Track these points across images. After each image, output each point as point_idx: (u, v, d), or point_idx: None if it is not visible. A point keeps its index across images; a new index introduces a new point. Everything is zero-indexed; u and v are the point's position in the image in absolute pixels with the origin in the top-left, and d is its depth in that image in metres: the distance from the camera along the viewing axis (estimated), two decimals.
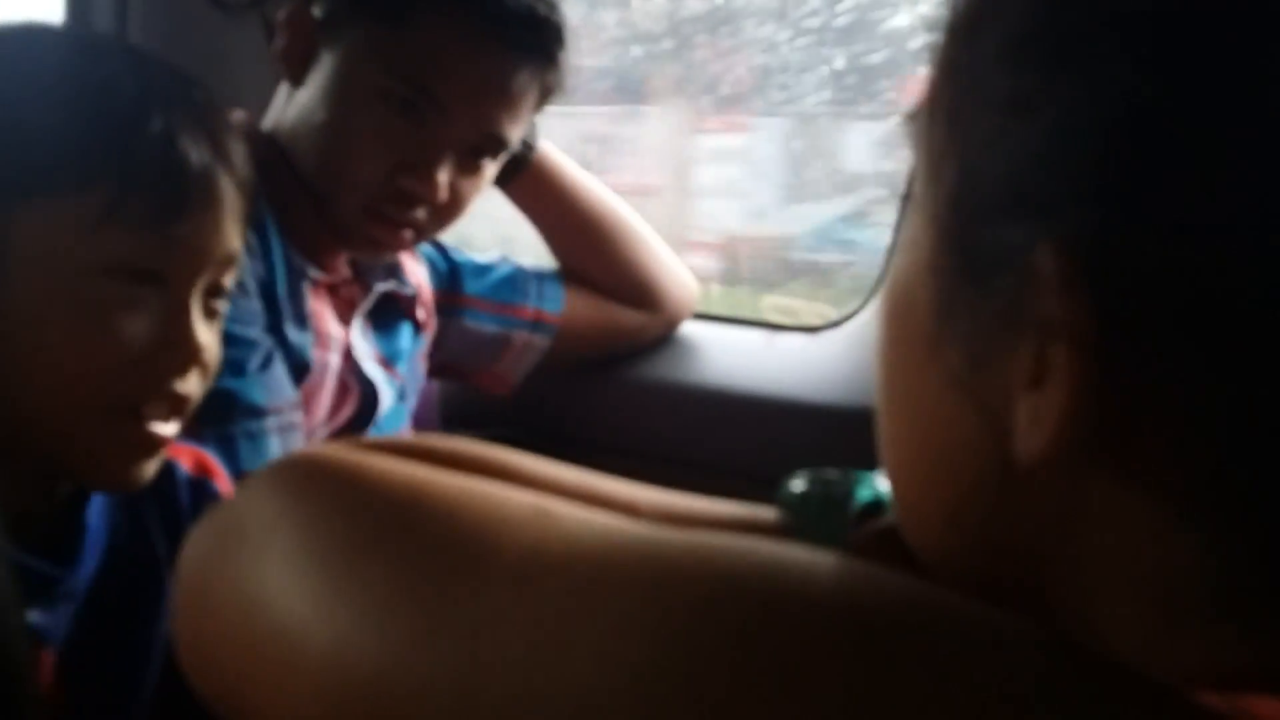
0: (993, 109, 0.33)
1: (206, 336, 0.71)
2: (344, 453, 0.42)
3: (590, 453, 1.34)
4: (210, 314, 0.72)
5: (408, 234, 1.03)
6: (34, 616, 0.69)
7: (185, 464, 0.81)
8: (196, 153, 0.68)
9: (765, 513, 0.46)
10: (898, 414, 0.38)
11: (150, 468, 0.71)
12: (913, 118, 0.37)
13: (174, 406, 0.70)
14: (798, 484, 0.46)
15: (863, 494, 0.46)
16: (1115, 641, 0.32)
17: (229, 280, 0.74)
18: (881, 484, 0.47)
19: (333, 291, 1.05)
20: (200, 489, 0.80)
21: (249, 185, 0.73)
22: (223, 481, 0.82)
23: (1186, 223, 0.29)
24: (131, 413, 0.68)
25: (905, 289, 0.37)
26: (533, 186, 1.21)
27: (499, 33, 0.98)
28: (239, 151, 0.72)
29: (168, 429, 0.70)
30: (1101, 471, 0.31)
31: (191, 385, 0.71)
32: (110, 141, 0.66)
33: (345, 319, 1.06)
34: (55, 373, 0.66)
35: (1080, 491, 0.32)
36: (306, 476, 0.40)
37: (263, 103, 1.27)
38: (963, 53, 0.34)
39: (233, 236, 0.72)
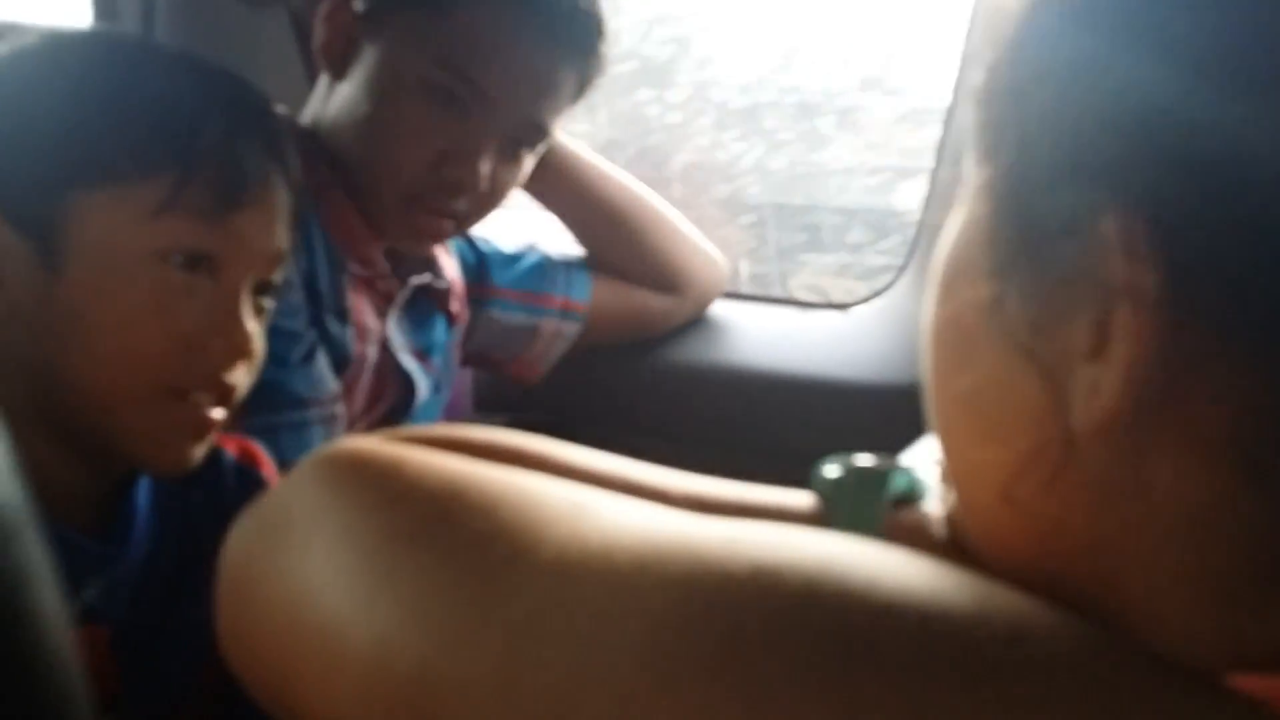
0: (1052, 80, 0.33)
1: (254, 329, 0.73)
2: (384, 445, 0.42)
3: (622, 435, 1.35)
4: (258, 309, 0.75)
5: (449, 224, 1.04)
6: (89, 595, 0.71)
7: (231, 451, 0.82)
8: (252, 151, 0.71)
9: (799, 497, 0.46)
10: (952, 384, 0.38)
11: (199, 451, 0.73)
12: (971, 96, 0.37)
13: (222, 394, 0.72)
14: (832, 469, 0.46)
15: (898, 481, 0.45)
16: (1172, 618, 0.32)
17: (277, 277, 0.76)
18: (917, 471, 0.47)
19: (370, 285, 1.06)
20: (246, 476, 0.82)
21: (298, 188, 0.76)
22: (268, 469, 0.84)
23: (1249, 183, 0.29)
24: (182, 396, 0.71)
25: (960, 260, 0.37)
26: (552, 179, 1.22)
27: (541, 23, 0.99)
28: (291, 155, 0.75)
29: (216, 414, 0.72)
30: (1162, 440, 0.31)
31: (239, 375, 0.73)
32: (173, 136, 0.69)
33: (382, 312, 1.07)
34: (111, 353, 0.68)
35: (1140, 461, 0.31)
36: (348, 469, 0.40)
37: (291, 98, 1.28)
38: (1022, 30, 0.34)
39: (282, 235, 0.74)
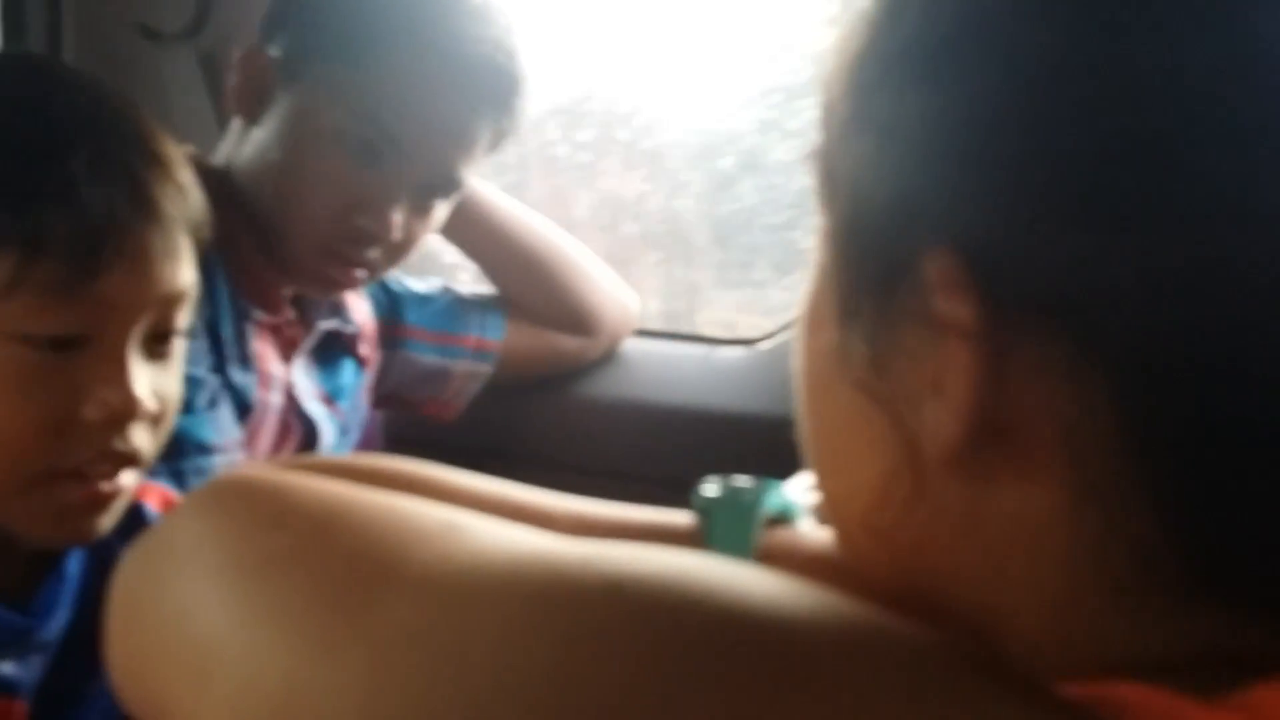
0: (874, 129, 0.34)
1: (152, 385, 0.67)
2: (269, 472, 0.43)
3: (534, 471, 1.35)
4: (158, 357, 0.69)
5: (361, 273, 1.05)
6: (5, 668, 0.68)
7: (153, 504, 0.80)
8: (112, 202, 0.63)
9: (678, 517, 0.48)
10: (815, 424, 0.40)
11: (106, 521, 0.68)
12: (811, 146, 0.39)
13: (121, 461, 0.67)
14: (709, 489, 0.47)
15: (772, 501, 0.47)
16: (1023, 633, 0.33)
17: (182, 319, 0.70)
18: (791, 493, 0.49)
19: (276, 331, 1.06)
20: None
21: (197, 214, 0.69)
22: None
23: (1064, 219, 0.30)
24: (74, 475, 0.66)
25: (813, 303, 0.39)
26: (465, 222, 1.23)
27: (459, 77, 1.00)
28: (176, 184, 0.67)
29: (118, 483, 0.67)
30: (1002, 466, 0.32)
31: (139, 438, 0.67)
32: (7, 206, 0.61)
33: (287, 358, 1.07)
34: None
35: (985, 487, 0.33)
36: (232, 496, 0.41)
37: (201, 134, 1.28)
38: (844, 83, 0.36)
39: (171, 278, 0.67)
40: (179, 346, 0.71)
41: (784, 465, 0.85)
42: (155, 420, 0.69)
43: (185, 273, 0.69)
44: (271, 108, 1.01)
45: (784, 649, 0.27)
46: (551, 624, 0.29)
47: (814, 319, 0.39)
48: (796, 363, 0.40)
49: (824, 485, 0.40)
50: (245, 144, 1.04)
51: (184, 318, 0.70)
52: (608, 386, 1.37)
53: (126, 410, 0.66)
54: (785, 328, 1.41)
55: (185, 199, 0.68)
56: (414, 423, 1.37)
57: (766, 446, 1.31)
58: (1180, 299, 0.29)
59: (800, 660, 0.27)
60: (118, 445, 0.66)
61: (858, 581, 0.39)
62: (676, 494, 1.31)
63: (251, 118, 1.03)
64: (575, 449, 1.37)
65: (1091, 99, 0.30)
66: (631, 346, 1.40)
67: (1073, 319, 0.31)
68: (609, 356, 1.38)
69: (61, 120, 0.65)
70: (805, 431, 0.41)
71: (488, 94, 1.02)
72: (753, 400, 1.32)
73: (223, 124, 1.24)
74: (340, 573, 0.35)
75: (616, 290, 1.35)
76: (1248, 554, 0.31)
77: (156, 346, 0.69)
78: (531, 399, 1.36)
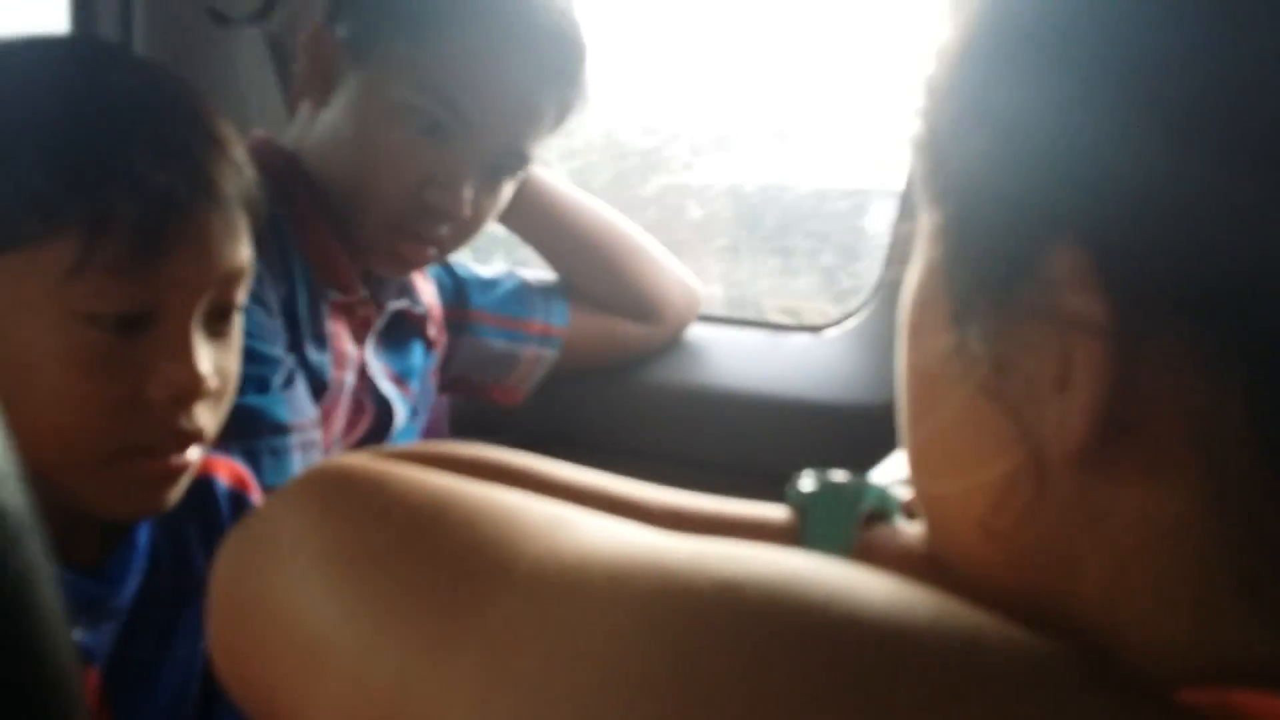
0: (989, 124, 0.33)
1: (214, 363, 0.69)
2: (369, 463, 0.43)
3: (600, 457, 1.35)
4: (219, 335, 0.70)
5: (431, 250, 1.05)
6: (78, 635, 0.70)
7: (223, 478, 0.81)
8: (174, 183, 0.64)
9: (775, 511, 0.47)
10: (924, 420, 0.39)
11: (174, 494, 0.70)
12: (913, 143, 0.38)
13: (185, 440, 0.68)
14: (806, 484, 0.47)
15: (870, 496, 0.46)
16: (1142, 635, 0.32)
17: (240, 295, 0.71)
18: (889, 487, 0.48)
19: (348, 311, 1.06)
20: (239, 503, 0.81)
21: (252, 192, 0.70)
22: (257, 495, 0.83)
23: (1196, 211, 0.29)
24: (142, 451, 0.67)
25: (921, 307, 0.38)
26: (528, 210, 1.23)
27: (525, 50, 1.00)
28: (233, 163, 0.68)
29: (186, 458, 0.69)
30: (1129, 464, 0.32)
31: (202, 418, 0.68)
32: (73, 187, 0.62)
33: (360, 338, 1.08)
34: (50, 424, 0.64)
35: (1109, 486, 0.32)
36: (333, 487, 0.41)
37: (272, 116, 1.29)
38: (954, 76, 0.35)
39: (231, 256, 0.68)
40: (238, 323, 0.72)
41: (848, 451, 0.84)
42: (217, 397, 0.70)
43: (243, 250, 0.70)
44: (340, 88, 1.02)
45: (907, 658, 0.27)
46: (666, 625, 0.29)
47: (922, 320, 0.38)
48: (901, 365, 0.39)
49: (933, 488, 0.40)
50: (315, 126, 1.04)
51: (242, 294, 0.71)
52: (673, 372, 1.36)
53: (192, 388, 0.67)
54: (851, 314, 1.39)
55: (242, 178, 0.69)
56: (480, 408, 1.37)
57: (833, 433, 1.30)
58: None
59: (924, 670, 0.27)
60: (183, 424, 0.67)
61: (962, 580, 0.39)
62: (741, 479, 1.31)
63: (320, 99, 1.03)
64: (641, 435, 1.37)
65: (1223, 90, 0.29)
66: (696, 333, 1.39)
67: (1205, 314, 0.30)
68: (674, 343, 1.38)
69: (122, 102, 0.66)
70: (909, 435, 0.40)
71: (553, 66, 1.02)
72: (819, 387, 1.31)
73: (293, 107, 1.25)
74: (449, 568, 0.35)
75: (681, 277, 1.35)
76: None
77: (216, 324, 0.70)
78: (597, 385, 1.36)
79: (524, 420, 1.34)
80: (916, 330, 0.38)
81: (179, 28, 1.30)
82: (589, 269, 1.29)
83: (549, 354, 1.28)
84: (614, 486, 0.47)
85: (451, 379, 1.26)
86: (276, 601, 0.39)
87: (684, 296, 1.35)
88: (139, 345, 0.65)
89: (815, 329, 1.41)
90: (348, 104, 1.01)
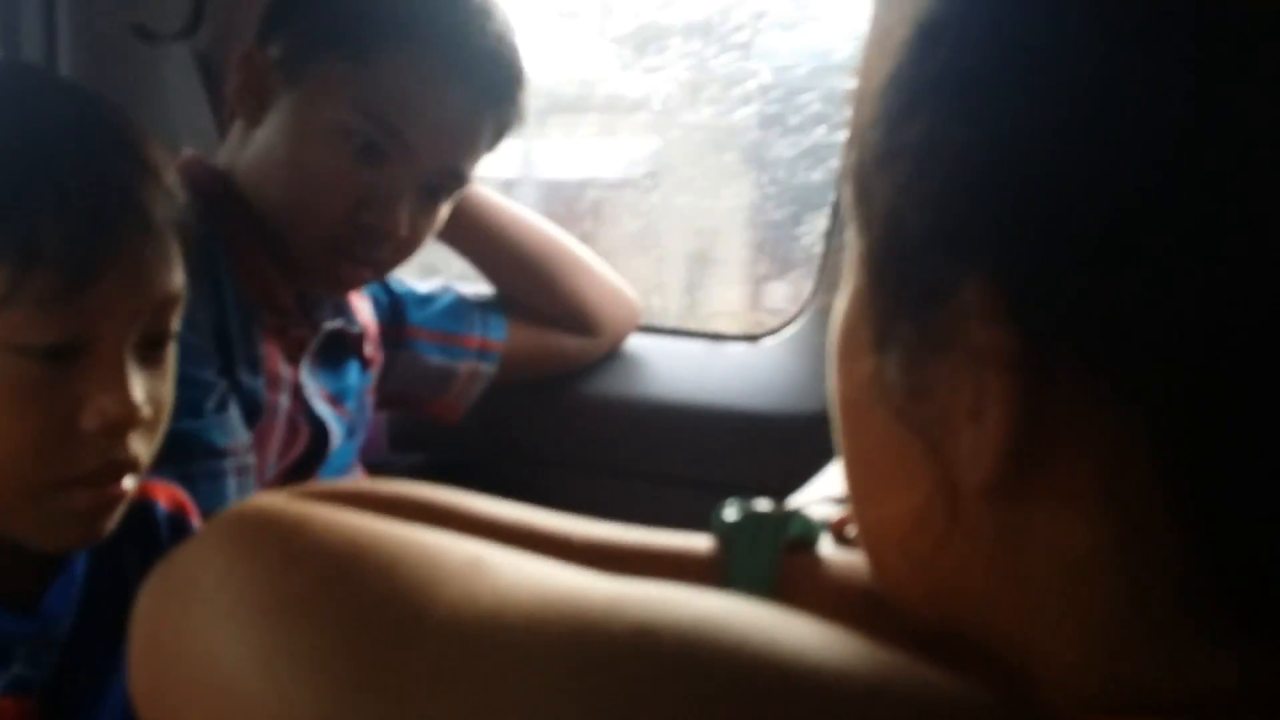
0: (908, 156, 0.34)
1: (148, 391, 0.68)
2: (286, 505, 0.42)
3: (541, 470, 1.36)
4: (152, 362, 0.69)
5: (367, 271, 1.05)
6: (16, 668, 0.69)
7: (162, 502, 0.80)
8: (103, 211, 0.63)
9: (699, 543, 0.47)
10: (852, 450, 0.39)
11: (109, 524, 0.69)
12: (843, 169, 0.38)
13: (121, 469, 0.67)
14: (730, 513, 0.47)
15: (794, 525, 0.47)
16: (1060, 667, 0.33)
17: (174, 322, 0.70)
18: (815, 512, 0.48)
19: (282, 333, 1.05)
20: (178, 527, 0.80)
21: (184, 217, 0.69)
22: (196, 519, 0.82)
23: (1099, 254, 0.30)
24: (76, 482, 0.66)
25: (848, 326, 0.38)
26: (465, 224, 1.23)
27: (462, 72, 0.99)
28: (164, 188, 0.67)
29: (120, 488, 0.68)
30: (1041, 495, 0.32)
31: (137, 447, 0.68)
32: (2, 219, 0.61)
33: (294, 359, 1.07)
34: None
35: (1022, 516, 0.33)
36: (249, 531, 0.41)
37: (202, 136, 1.27)
38: (877, 108, 0.35)
39: (164, 283, 0.67)
40: (171, 351, 0.71)
41: (786, 460, 0.85)
42: (151, 426, 0.69)
43: (176, 276, 0.69)
44: (273, 107, 1.01)
45: (815, 704, 0.28)
46: (581, 673, 0.29)
47: (849, 344, 0.38)
48: (832, 387, 0.40)
49: (860, 511, 0.40)
50: (247, 145, 1.03)
51: (175, 321, 0.70)
52: (612, 384, 1.36)
53: (125, 418, 0.66)
54: (789, 323, 1.40)
55: (173, 204, 0.68)
56: (419, 424, 1.36)
57: (772, 442, 1.31)
58: (1220, 339, 0.29)
59: (831, 712, 0.27)
60: (117, 454, 0.66)
61: (885, 608, 0.40)
62: (682, 490, 1.31)
63: (253, 119, 1.02)
64: (581, 447, 1.37)
65: (1124, 140, 0.30)
66: (635, 343, 1.40)
67: (1109, 352, 0.30)
68: (613, 354, 1.38)
69: (50, 130, 0.65)
70: (843, 457, 0.40)
71: (491, 88, 1.02)
72: (757, 396, 1.32)
73: (222, 125, 1.23)
74: (365, 616, 0.34)
75: (618, 289, 1.35)
76: None
77: (150, 352, 0.69)
78: (536, 398, 1.36)
79: (464, 435, 1.34)
80: (842, 354, 0.39)
81: (104, 47, 1.28)
82: (526, 283, 1.29)
83: (487, 369, 1.28)
84: (536, 521, 0.47)
85: (389, 396, 1.25)
86: (195, 648, 0.39)
87: (622, 309, 1.35)
88: (70, 375, 0.64)
89: (753, 338, 1.43)
90: (281, 124, 1.00)
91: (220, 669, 0.37)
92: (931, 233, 0.33)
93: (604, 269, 1.34)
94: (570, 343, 1.32)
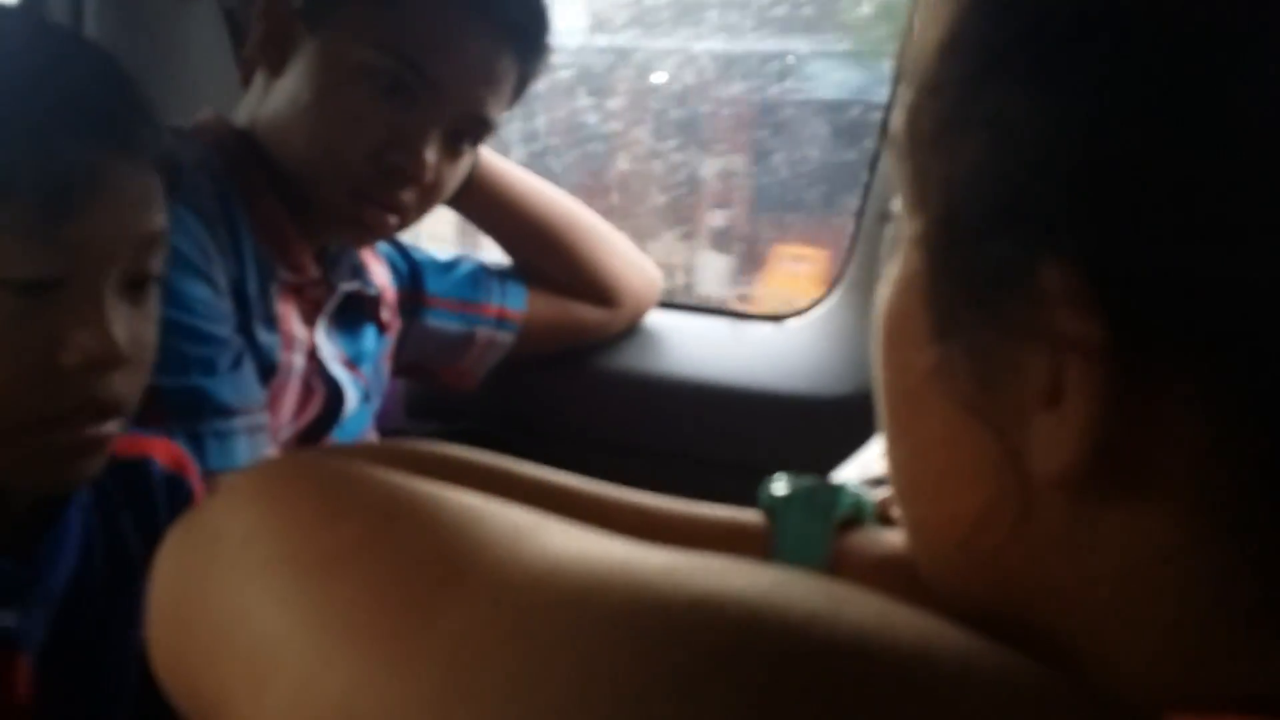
0: (978, 128, 0.32)
1: (130, 331, 0.67)
2: (324, 459, 0.41)
3: (556, 444, 1.35)
4: (135, 303, 0.68)
5: (393, 218, 1.03)
6: (7, 620, 0.68)
7: (160, 459, 0.79)
8: (84, 146, 0.63)
9: (747, 515, 0.46)
10: (905, 438, 0.37)
11: (93, 466, 0.68)
12: (892, 143, 0.36)
13: (103, 409, 0.66)
14: (779, 487, 0.46)
15: (845, 500, 0.45)
16: (1125, 661, 0.32)
17: (156, 263, 0.69)
18: (863, 490, 0.47)
19: (299, 292, 1.04)
20: (176, 486, 0.79)
21: (169, 157, 0.69)
22: (196, 478, 0.81)
23: (1191, 230, 0.28)
24: (57, 421, 0.65)
25: (899, 313, 0.36)
26: (483, 195, 1.22)
27: (488, 12, 0.99)
28: (148, 126, 0.67)
29: (103, 430, 0.67)
30: (1120, 489, 0.31)
31: (118, 386, 0.66)
32: None
33: (310, 320, 1.06)
34: None
35: (1099, 511, 0.31)
36: (285, 485, 0.39)
37: (228, 95, 1.26)
38: (939, 74, 0.33)
39: (146, 221, 0.66)
40: (154, 293, 0.70)
41: (810, 443, 0.83)
42: (134, 366, 0.68)
43: (158, 215, 0.68)
44: (296, 56, 1.00)
45: (894, 681, 0.26)
46: (643, 637, 0.27)
47: (900, 333, 0.36)
48: (879, 379, 0.38)
49: (916, 507, 0.38)
50: (270, 97, 1.02)
51: (158, 262, 0.69)
52: (631, 359, 1.35)
53: (105, 356, 0.65)
54: (815, 304, 1.38)
55: (158, 140, 0.67)
56: (435, 393, 1.35)
57: (795, 424, 1.29)
58: None
59: (912, 694, 0.26)
60: (98, 392, 0.65)
61: (944, 598, 0.38)
62: (698, 469, 1.30)
63: (276, 69, 1.01)
64: (598, 423, 1.35)
65: (1222, 108, 0.28)
66: (656, 320, 1.38)
67: (1207, 342, 0.29)
68: (633, 329, 1.36)
69: (32, 65, 0.64)
70: (890, 451, 0.38)
71: (516, 30, 1.01)
72: (782, 377, 1.30)
73: (244, 79, 1.22)
74: (407, 575, 0.33)
75: (639, 261, 1.33)
76: None
77: (132, 292, 0.67)
78: (554, 371, 1.34)
79: (481, 406, 1.33)
80: (894, 344, 0.37)
81: (133, 3, 1.27)
82: (545, 253, 1.28)
83: (505, 338, 1.26)
84: (581, 487, 0.45)
85: (405, 364, 1.24)
86: (222, 605, 0.37)
87: (642, 281, 1.34)
88: (49, 310, 0.63)
89: (778, 318, 1.41)
90: (305, 69, 0.99)
91: (249, 627, 0.35)
92: (1004, 212, 0.31)
93: (623, 240, 1.32)
94: (590, 314, 1.30)
